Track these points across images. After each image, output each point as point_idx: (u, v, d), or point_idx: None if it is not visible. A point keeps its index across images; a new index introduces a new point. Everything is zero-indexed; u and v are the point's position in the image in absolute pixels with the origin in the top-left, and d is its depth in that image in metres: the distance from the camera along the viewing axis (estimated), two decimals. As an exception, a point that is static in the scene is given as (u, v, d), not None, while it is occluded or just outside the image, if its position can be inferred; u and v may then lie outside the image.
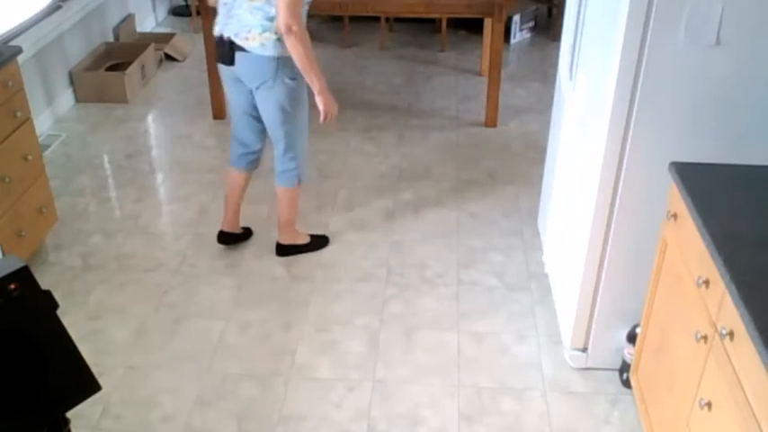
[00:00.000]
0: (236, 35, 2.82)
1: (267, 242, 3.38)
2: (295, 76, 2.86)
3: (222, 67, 2.96)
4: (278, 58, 2.80)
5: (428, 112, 4.64)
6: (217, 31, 2.88)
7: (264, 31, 2.77)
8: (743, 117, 2.17)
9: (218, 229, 3.37)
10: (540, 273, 3.20)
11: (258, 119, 3.04)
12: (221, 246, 3.36)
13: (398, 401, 2.60)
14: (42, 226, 3.22)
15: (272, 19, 2.75)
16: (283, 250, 3.32)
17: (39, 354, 1.65)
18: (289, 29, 2.68)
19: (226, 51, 2.86)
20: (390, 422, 2.52)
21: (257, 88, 2.90)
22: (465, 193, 3.79)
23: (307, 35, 2.75)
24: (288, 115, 2.95)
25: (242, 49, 2.82)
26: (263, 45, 2.78)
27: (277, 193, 3.19)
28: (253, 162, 3.21)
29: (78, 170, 4.01)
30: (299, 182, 3.15)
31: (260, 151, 3.19)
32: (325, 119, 2.93)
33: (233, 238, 3.38)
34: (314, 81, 2.83)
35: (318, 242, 3.38)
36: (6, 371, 1.61)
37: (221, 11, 2.87)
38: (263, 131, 3.11)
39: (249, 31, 2.79)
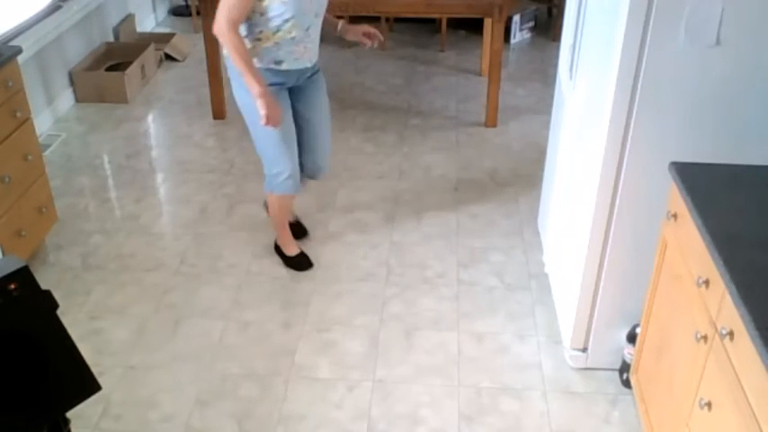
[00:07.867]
0: None
1: (267, 242, 3.38)
2: None
3: None
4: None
5: (428, 112, 4.64)
6: None
7: None
8: (743, 117, 2.17)
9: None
10: (540, 273, 3.20)
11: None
12: (221, 245, 3.37)
13: (398, 401, 2.59)
14: (42, 226, 3.22)
15: None
16: (276, 247, 3.32)
17: (39, 354, 1.65)
18: (216, 31, 2.67)
19: None
20: (390, 422, 2.52)
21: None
22: (465, 194, 3.79)
23: (236, 39, 2.66)
24: (249, 120, 2.90)
25: None
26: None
27: None
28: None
29: (78, 170, 4.01)
30: (272, 191, 3.05)
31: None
32: (266, 123, 2.76)
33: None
34: (251, 84, 2.72)
35: (297, 262, 3.25)
36: (6, 371, 1.61)
37: None
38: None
39: None
